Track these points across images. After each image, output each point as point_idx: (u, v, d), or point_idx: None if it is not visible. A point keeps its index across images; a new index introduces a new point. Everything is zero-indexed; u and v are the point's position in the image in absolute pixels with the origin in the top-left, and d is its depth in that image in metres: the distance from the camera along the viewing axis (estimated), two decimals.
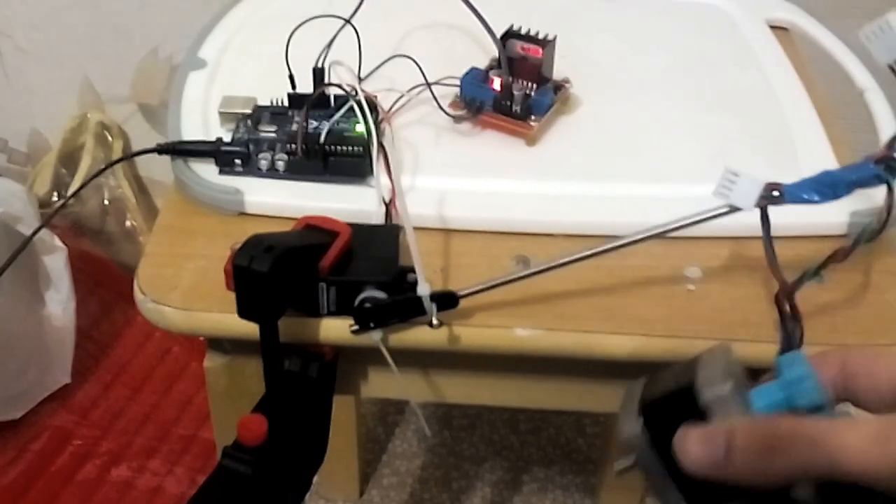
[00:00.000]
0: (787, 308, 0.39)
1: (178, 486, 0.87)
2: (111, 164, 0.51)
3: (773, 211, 0.50)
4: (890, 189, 0.40)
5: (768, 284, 0.44)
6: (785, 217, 0.50)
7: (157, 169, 1.02)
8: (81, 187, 0.97)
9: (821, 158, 0.53)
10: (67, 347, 0.85)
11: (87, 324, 0.90)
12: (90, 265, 0.94)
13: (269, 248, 0.40)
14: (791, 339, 0.39)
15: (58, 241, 0.85)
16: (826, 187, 0.40)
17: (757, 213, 0.50)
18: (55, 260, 0.84)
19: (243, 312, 0.41)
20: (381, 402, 1.13)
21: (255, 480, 0.42)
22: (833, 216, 0.49)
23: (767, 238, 0.40)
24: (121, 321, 0.94)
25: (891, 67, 0.43)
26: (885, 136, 0.55)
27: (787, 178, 0.51)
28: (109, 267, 0.96)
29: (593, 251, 0.43)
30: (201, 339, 0.55)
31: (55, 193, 1.01)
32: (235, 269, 0.40)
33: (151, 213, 1.03)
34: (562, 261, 0.44)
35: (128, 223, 1.00)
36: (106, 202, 1.01)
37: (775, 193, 0.40)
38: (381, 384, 0.51)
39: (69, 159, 1.01)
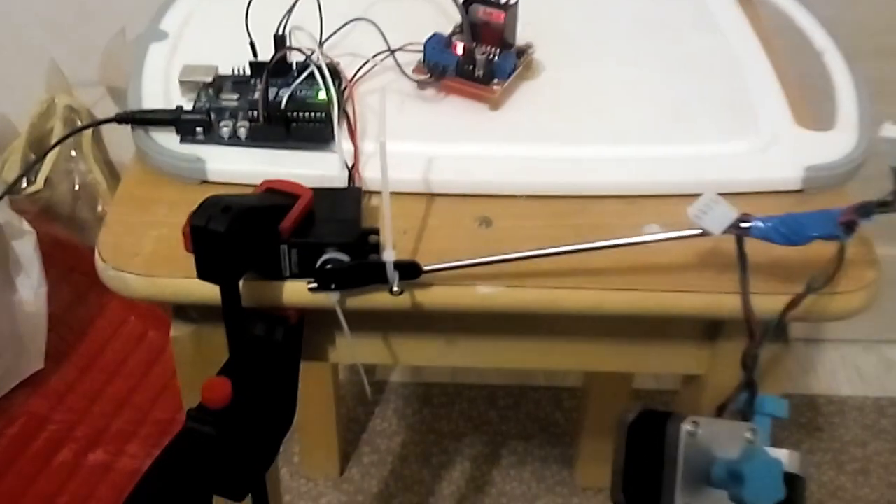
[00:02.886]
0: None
1: None
2: (71, 134, 0.51)
3: (725, 162, 0.51)
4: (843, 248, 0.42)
5: (723, 239, 0.44)
6: (744, 173, 0.51)
7: (128, 153, 1.02)
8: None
9: (779, 121, 0.54)
10: (40, 333, 0.85)
11: (61, 309, 0.90)
12: (62, 251, 0.94)
13: (227, 209, 0.40)
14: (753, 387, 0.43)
15: (27, 226, 0.84)
16: (791, 232, 0.42)
17: (717, 171, 0.51)
18: (24, 245, 0.83)
19: (202, 273, 0.42)
20: (360, 382, 1.13)
21: (219, 441, 0.43)
22: (787, 171, 0.50)
23: (743, 276, 0.42)
24: (95, 306, 0.93)
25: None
26: (845, 97, 0.56)
27: (746, 138, 0.53)
28: (82, 252, 0.96)
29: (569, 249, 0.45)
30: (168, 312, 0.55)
31: (24, 179, 1.00)
32: (193, 230, 0.40)
33: None
34: (529, 253, 0.45)
35: (99, 208, 1.00)
36: (76, 188, 1.00)
37: (743, 225, 0.41)
38: (348, 350, 0.52)
39: (38, 144, 1.01)
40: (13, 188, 0.93)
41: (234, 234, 0.40)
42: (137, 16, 0.95)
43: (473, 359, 0.53)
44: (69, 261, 0.94)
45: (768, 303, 0.44)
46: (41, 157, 0.75)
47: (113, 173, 1.03)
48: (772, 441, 0.46)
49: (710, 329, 0.51)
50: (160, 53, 0.58)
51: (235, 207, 0.40)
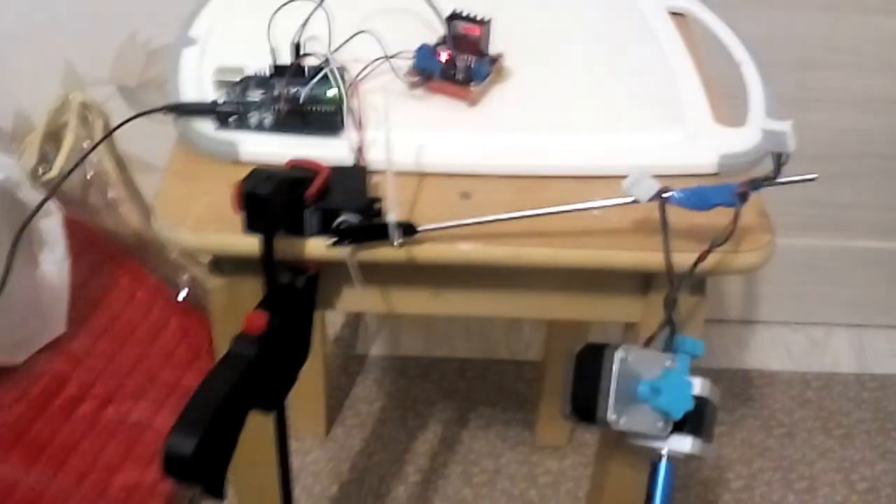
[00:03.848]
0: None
1: (165, 424, 0.97)
2: (122, 124, 0.61)
3: (657, 150, 0.64)
4: (737, 214, 0.54)
5: (651, 210, 0.56)
6: (672, 160, 0.64)
7: (135, 146, 1.12)
8: (87, 154, 1.06)
9: (701, 118, 0.66)
10: (62, 302, 0.95)
11: (78, 283, 1.00)
12: (76, 231, 1.03)
13: (269, 178, 0.52)
14: (673, 326, 0.55)
15: (52, 206, 0.94)
16: (699, 199, 0.54)
17: (651, 158, 0.64)
18: (51, 223, 0.94)
19: (249, 227, 0.53)
20: (344, 356, 1.24)
21: (257, 363, 0.54)
22: (705, 158, 0.62)
23: (665, 234, 0.54)
24: (108, 281, 1.04)
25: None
26: (755, 100, 0.69)
27: (674, 131, 0.65)
28: (94, 233, 1.06)
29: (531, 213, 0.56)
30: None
31: (39, 169, 1.10)
32: (244, 194, 0.51)
33: (130, 187, 1.13)
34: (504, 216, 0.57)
35: (109, 195, 1.10)
36: (88, 176, 1.10)
37: (664, 195, 0.53)
38: (352, 299, 0.63)
39: (53, 137, 1.11)
40: (35, 175, 1.03)
41: (274, 198, 0.52)
42: (147, 22, 1.06)
43: (454, 307, 0.65)
44: (82, 240, 1.04)
45: (685, 258, 0.57)
46: (92, 148, 0.85)
47: (120, 164, 1.14)
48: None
49: (643, 284, 0.63)
50: (191, 57, 0.69)
51: (275, 177, 0.52)
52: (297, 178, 0.55)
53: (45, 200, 0.95)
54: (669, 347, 0.58)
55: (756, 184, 0.52)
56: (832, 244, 1.28)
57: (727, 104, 0.69)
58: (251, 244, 0.55)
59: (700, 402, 0.56)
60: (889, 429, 1.22)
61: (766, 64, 0.71)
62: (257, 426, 0.57)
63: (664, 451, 0.57)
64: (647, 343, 0.58)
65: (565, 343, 1.07)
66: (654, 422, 0.56)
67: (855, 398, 1.26)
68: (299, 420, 1.14)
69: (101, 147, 1.08)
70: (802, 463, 1.17)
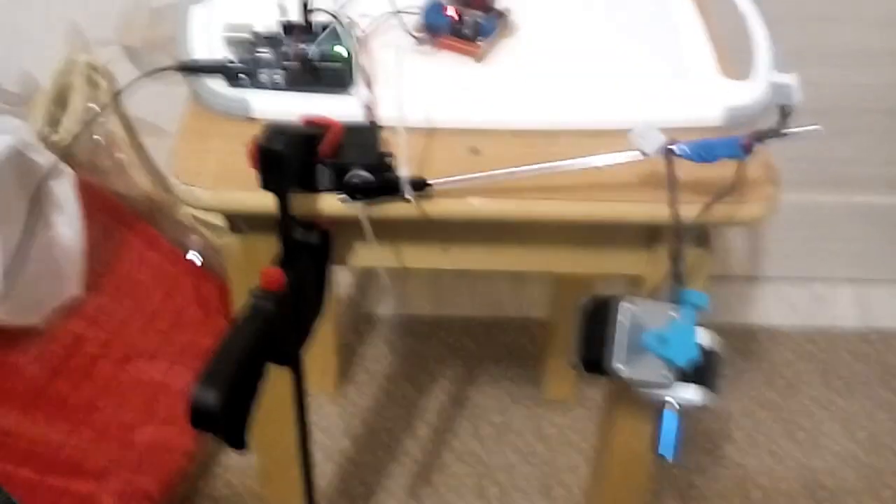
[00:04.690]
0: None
1: (179, 381, 0.99)
2: (135, 81, 0.62)
3: (663, 105, 0.64)
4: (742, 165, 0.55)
5: (658, 164, 0.57)
6: (671, 112, 0.64)
7: (143, 109, 1.13)
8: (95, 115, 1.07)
9: (708, 72, 0.67)
10: (77, 263, 0.96)
11: (90, 245, 1.01)
12: (87, 194, 1.04)
13: (283, 132, 0.53)
14: (679, 278, 0.56)
15: (64, 167, 0.95)
16: (705, 152, 0.55)
17: (657, 111, 0.64)
18: (62, 184, 0.95)
19: (265, 184, 0.54)
20: (354, 315, 1.26)
21: (276, 316, 0.56)
22: (710, 110, 0.63)
23: (671, 186, 0.55)
24: (119, 243, 1.05)
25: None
26: (760, 53, 0.69)
27: (680, 84, 0.66)
28: (104, 195, 1.07)
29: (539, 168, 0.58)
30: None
31: (46, 130, 1.11)
32: (259, 149, 0.53)
33: (138, 149, 1.14)
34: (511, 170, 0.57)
35: (118, 156, 1.11)
36: (96, 137, 1.11)
37: (670, 147, 0.54)
38: (364, 254, 0.65)
39: (59, 100, 1.11)
40: (42, 138, 1.04)
41: (289, 152, 0.53)
42: None
43: (462, 262, 0.66)
44: (94, 204, 1.04)
45: (691, 210, 0.58)
46: (103, 109, 0.85)
47: (127, 126, 1.14)
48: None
49: (648, 237, 0.65)
50: (199, 15, 0.69)
51: (289, 133, 0.53)
52: (310, 133, 0.56)
53: (59, 161, 0.96)
54: (675, 299, 0.59)
55: (761, 136, 0.53)
56: (835, 199, 1.29)
57: (733, 58, 0.70)
58: (267, 201, 0.56)
59: (705, 351, 0.58)
60: (889, 381, 1.24)
61: (768, 19, 0.71)
62: (275, 380, 0.58)
63: (670, 400, 0.59)
64: (653, 295, 0.59)
65: (570, 300, 1.09)
66: (660, 371, 0.57)
67: (856, 352, 1.28)
68: (310, 377, 1.14)
69: (108, 109, 1.09)
70: (803, 415, 1.19)
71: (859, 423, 1.19)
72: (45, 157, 0.93)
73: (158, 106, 0.85)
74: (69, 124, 1.09)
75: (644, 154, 0.55)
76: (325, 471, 1.08)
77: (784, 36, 0.71)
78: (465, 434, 1.13)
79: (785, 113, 0.51)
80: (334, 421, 1.14)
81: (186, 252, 1.11)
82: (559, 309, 1.13)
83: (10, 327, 0.90)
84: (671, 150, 0.54)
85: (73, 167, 1.05)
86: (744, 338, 1.29)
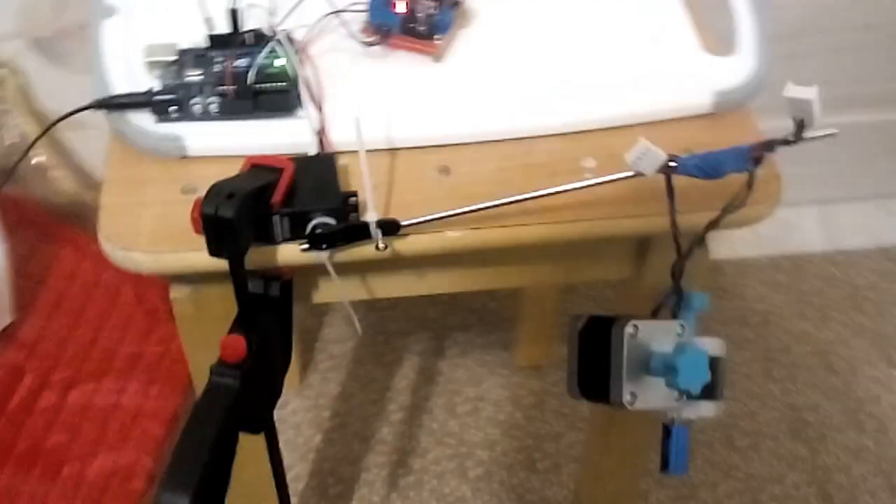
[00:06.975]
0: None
1: (133, 400, 0.92)
2: (52, 125, 0.54)
3: (647, 95, 0.58)
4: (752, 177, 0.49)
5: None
6: (655, 104, 0.58)
7: (57, 102, 1.02)
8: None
9: (690, 48, 0.60)
10: (4, 290, 0.88)
11: (18, 263, 0.92)
12: (8, 206, 0.95)
13: (231, 195, 0.46)
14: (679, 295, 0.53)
15: None
16: (710, 169, 0.48)
17: (639, 104, 0.58)
18: None
19: (213, 252, 0.47)
20: None
21: (242, 391, 0.49)
22: (698, 97, 0.57)
23: (672, 205, 0.50)
24: (49, 257, 0.96)
25: None
26: (744, 21, 0.63)
27: (661, 70, 0.59)
28: (27, 206, 0.97)
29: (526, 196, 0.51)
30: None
31: None
32: (204, 217, 0.45)
33: (56, 148, 1.04)
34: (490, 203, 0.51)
35: (34, 160, 1.01)
36: (8, 143, 1.01)
37: (671, 165, 0.47)
38: (329, 291, 0.58)
39: None
40: None
41: (240, 217, 0.45)
42: None
43: (440, 286, 0.60)
44: (15, 217, 0.95)
45: (690, 220, 0.52)
46: (36, 139, 0.75)
47: (43, 124, 1.04)
48: (698, 331, 0.55)
49: (639, 244, 0.59)
50: (114, 30, 0.60)
51: (238, 193, 0.46)
52: (261, 185, 0.48)
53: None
54: (676, 313, 0.54)
55: (772, 146, 0.47)
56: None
57: (713, 28, 0.63)
58: (216, 262, 0.49)
59: (713, 364, 0.54)
60: (860, 303, 1.23)
61: None
62: (247, 444, 0.52)
63: (680, 418, 0.55)
64: (655, 314, 0.54)
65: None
66: (670, 396, 0.53)
67: (825, 276, 1.26)
68: None
69: (17, 109, 0.98)
70: (780, 351, 1.18)
71: (836, 352, 1.18)
72: None
73: (74, 98, 0.76)
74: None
75: (643, 176, 0.49)
76: (301, 473, 1.03)
77: None
78: (440, 412, 1.09)
79: (802, 127, 0.45)
80: (302, 415, 1.08)
81: None
82: None
83: None
84: (672, 168, 0.48)
85: None
86: (711, 273, 1.26)
